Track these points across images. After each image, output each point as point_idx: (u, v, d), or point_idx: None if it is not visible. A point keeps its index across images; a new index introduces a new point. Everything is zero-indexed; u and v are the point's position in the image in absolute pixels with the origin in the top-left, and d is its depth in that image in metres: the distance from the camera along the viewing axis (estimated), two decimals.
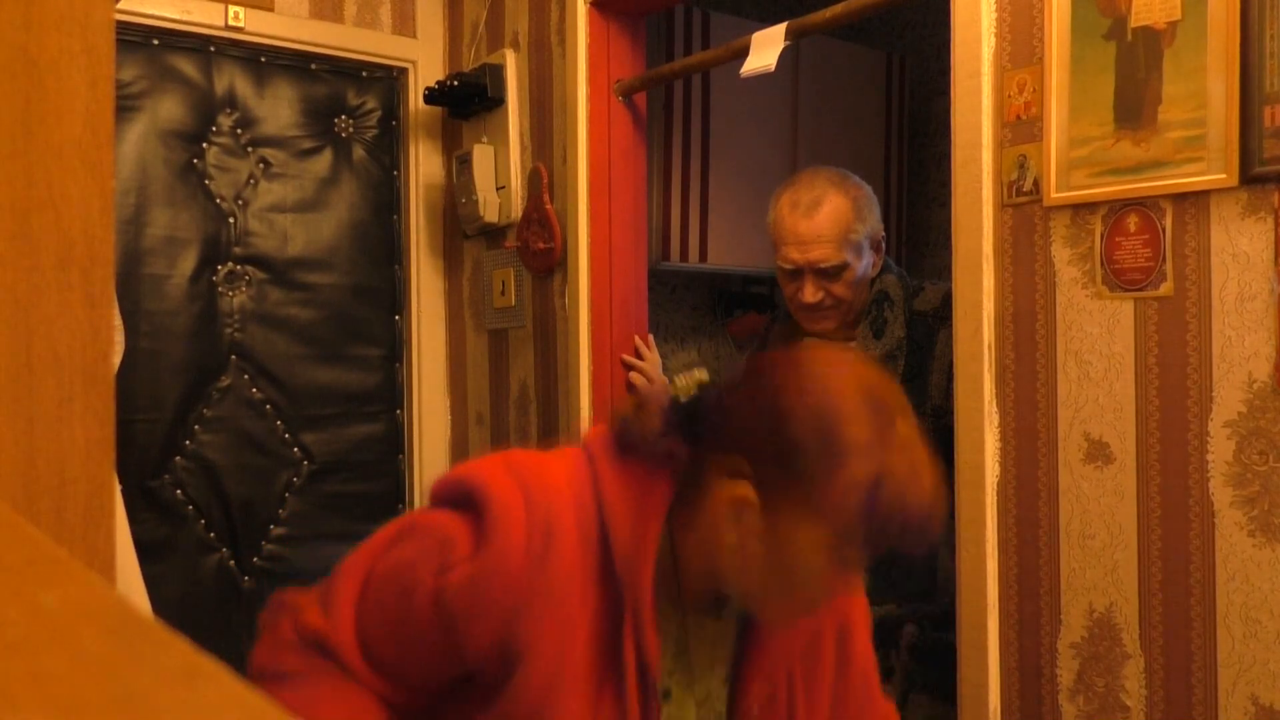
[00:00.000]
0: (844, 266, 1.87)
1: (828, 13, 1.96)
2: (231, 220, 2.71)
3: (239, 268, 2.72)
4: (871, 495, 0.90)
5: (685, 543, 0.99)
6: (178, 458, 2.61)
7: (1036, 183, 1.59)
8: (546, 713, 0.93)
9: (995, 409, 1.65)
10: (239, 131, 2.73)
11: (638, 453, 1.00)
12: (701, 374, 1.04)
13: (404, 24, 2.95)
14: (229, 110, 2.72)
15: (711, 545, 0.97)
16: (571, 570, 0.94)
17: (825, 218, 1.87)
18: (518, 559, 0.92)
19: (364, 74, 2.91)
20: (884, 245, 1.98)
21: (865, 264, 1.92)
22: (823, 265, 1.87)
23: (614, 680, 0.97)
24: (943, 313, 1.89)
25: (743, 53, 2.09)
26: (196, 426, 2.64)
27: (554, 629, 0.93)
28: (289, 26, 2.75)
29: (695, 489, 0.98)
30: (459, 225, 2.89)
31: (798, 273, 1.90)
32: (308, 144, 2.83)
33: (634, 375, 2.43)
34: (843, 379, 0.94)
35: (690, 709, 1.04)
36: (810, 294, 1.89)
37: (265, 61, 2.76)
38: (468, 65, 2.87)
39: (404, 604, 0.95)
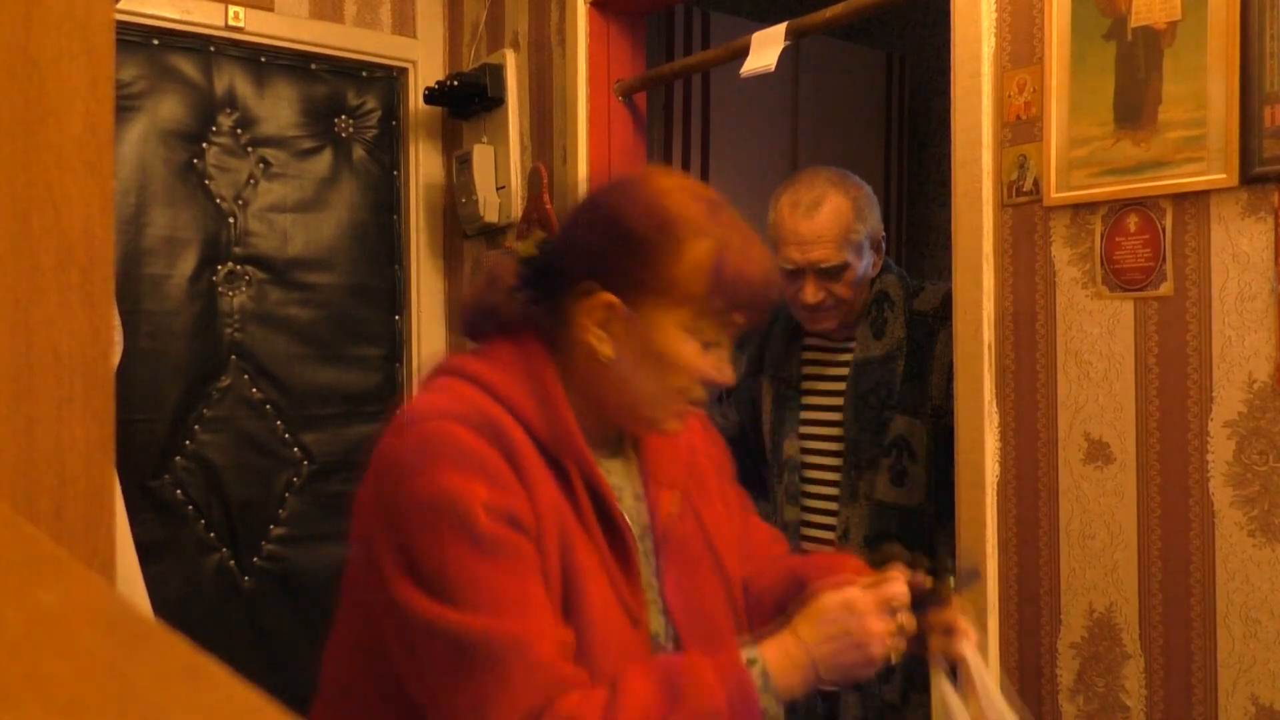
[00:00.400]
0: (845, 266, 1.87)
1: (828, 13, 1.96)
2: (231, 220, 2.71)
3: (239, 268, 2.72)
4: (717, 267, 1.02)
5: (573, 391, 1.06)
6: (178, 458, 2.61)
7: (1036, 183, 1.59)
8: (571, 574, 0.99)
9: (995, 409, 1.65)
10: (239, 131, 2.73)
11: (496, 323, 1.07)
12: (539, 234, 1.14)
13: (404, 24, 2.95)
14: (229, 110, 2.72)
15: (592, 368, 1.05)
16: (530, 459, 0.99)
17: (826, 218, 1.86)
18: (507, 470, 0.97)
19: (364, 74, 2.91)
20: (884, 245, 1.97)
21: (866, 264, 1.92)
22: (824, 265, 1.87)
23: (593, 537, 1.03)
24: (943, 313, 1.89)
25: (743, 53, 2.09)
26: (196, 426, 2.64)
27: (549, 512, 0.99)
28: (289, 26, 2.75)
29: (563, 331, 1.06)
30: (459, 225, 2.89)
31: (799, 273, 1.90)
32: (308, 144, 2.83)
33: None
34: (665, 179, 1.06)
35: (642, 542, 1.12)
36: (811, 294, 1.89)
37: (265, 61, 2.76)
38: (468, 65, 2.87)
39: (494, 555, 0.93)
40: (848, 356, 1.96)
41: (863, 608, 1.00)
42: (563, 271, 1.06)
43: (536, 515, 0.97)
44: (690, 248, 1.02)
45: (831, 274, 1.87)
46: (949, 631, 1.14)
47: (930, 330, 1.91)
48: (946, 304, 1.84)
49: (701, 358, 1.05)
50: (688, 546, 1.14)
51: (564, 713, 0.89)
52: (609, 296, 1.02)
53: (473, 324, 1.11)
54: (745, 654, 0.98)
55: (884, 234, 1.98)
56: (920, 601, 1.08)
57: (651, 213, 1.02)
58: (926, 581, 1.09)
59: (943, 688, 1.18)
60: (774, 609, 1.19)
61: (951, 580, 1.11)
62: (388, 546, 0.96)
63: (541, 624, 0.93)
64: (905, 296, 1.95)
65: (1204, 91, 1.40)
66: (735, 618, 1.14)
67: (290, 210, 2.79)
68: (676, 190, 1.05)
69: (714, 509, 1.20)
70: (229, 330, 2.70)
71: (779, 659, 0.99)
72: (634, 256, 1.02)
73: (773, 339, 2.13)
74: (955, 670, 1.16)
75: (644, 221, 1.02)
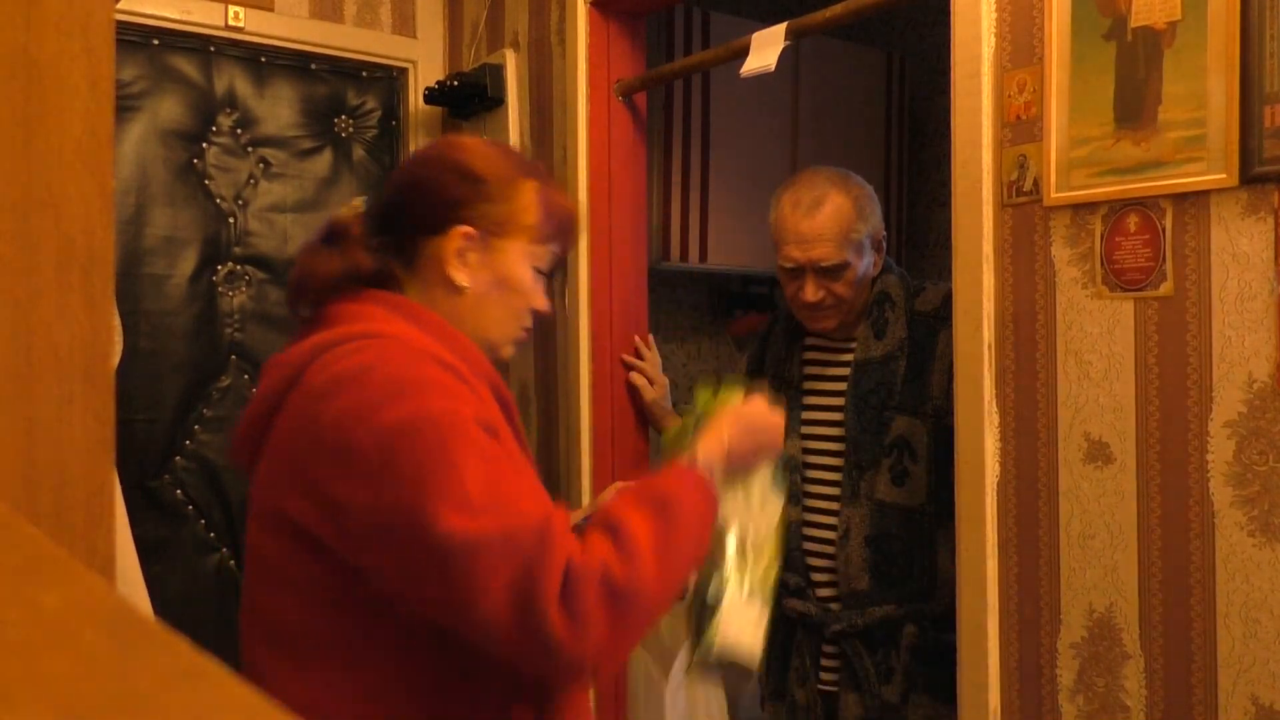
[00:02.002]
0: (845, 265, 1.87)
1: (828, 13, 1.96)
2: (231, 220, 2.71)
3: (239, 268, 2.72)
4: (543, 200, 1.24)
5: None
6: (178, 458, 2.61)
7: (1036, 183, 1.59)
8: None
9: (995, 409, 1.65)
10: (239, 131, 2.73)
11: (353, 281, 1.16)
12: (356, 199, 1.31)
13: (404, 24, 2.95)
14: (229, 110, 2.72)
15: (447, 301, 1.20)
16: (475, 383, 1.11)
17: (826, 217, 1.87)
18: (469, 392, 1.07)
19: (364, 74, 2.91)
20: (885, 245, 1.98)
21: (866, 263, 1.92)
22: (824, 264, 1.87)
23: (519, 440, 1.18)
24: (943, 313, 1.89)
25: (743, 53, 2.09)
26: (196, 426, 2.64)
27: (500, 423, 1.11)
28: (289, 26, 2.75)
29: (415, 271, 1.20)
30: None
31: (799, 272, 1.90)
32: (308, 144, 2.83)
33: (634, 375, 2.43)
34: (477, 138, 1.29)
35: None
36: (811, 293, 1.89)
37: (265, 61, 2.76)
38: (468, 65, 2.87)
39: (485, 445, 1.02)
40: (849, 357, 1.97)
41: (768, 413, 1.27)
42: (416, 214, 1.21)
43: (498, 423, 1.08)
44: (523, 185, 1.23)
45: (832, 273, 1.88)
46: None
47: (931, 330, 1.91)
48: (947, 304, 1.85)
49: (536, 284, 1.25)
50: None
51: (590, 565, 0.97)
52: (466, 228, 1.19)
53: (334, 287, 1.17)
54: (691, 459, 1.16)
55: (885, 234, 1.98)
56: None
57: (489, 159, 1.23)
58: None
59: None
60: None
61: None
62: (382, 483, 0.97)
63: (551, 505, 1.03)
64: (906, 296, 1.95)
65: (1204, 91, 1.40)
66: None
67: (290, 210, 2.79)
68: (495, 144, 1.29)
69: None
70: (229, 330, 2.69)
71: (713, 455, 1.18)
72: (482, 195, 1.20)
73: (773, 339, 2.13)
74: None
75: (485, 166, 1.22)
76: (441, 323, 1.16)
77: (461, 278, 1.19)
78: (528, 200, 1.23)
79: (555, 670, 0.98)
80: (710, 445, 1.18)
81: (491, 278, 1.21)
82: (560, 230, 1.27)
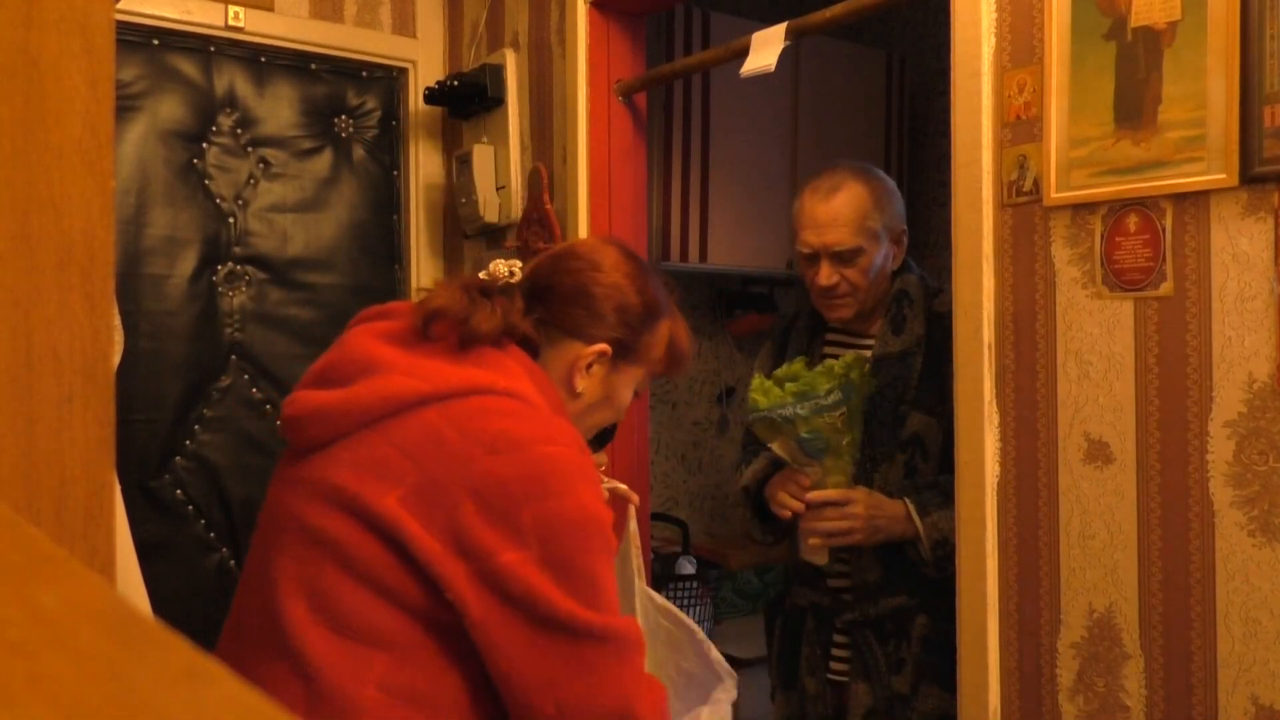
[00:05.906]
0: (859, 251, 1.89)
1: (828, 13, 1.96)
2: (231, 220, 2.71)
3: (239, 268, 2.72)
4: (671, 341, 1.35)
5: None
6: (178, 458, 2.61)
7: (1036, 183, 1.59)
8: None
9: (995, 409, 1.65)
10: (239, 131, 2.73)
11: (500, 335, 1.22)
12: (516, 262, 1.37)
13: (404, 24, 2.95)
14: (229, 110, 2.72)
15: (560, 393, 1.26)
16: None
17: (841, 202, 1.89)
18: (601, 486, 1.17)
19: (364, 74, 2.91)
20: (905, 241, 1.98)
21: (883, 254, 1.93)
22: (837, 248, 1.88)
23: None
24: None
25: (743, 53, 2.09)
26: (196, 426, 2.64)
27: None
28: (289, 26, 2.75)
29: (549, 349, 1.28)
30: (459, 225, 2.89)
31: (815, 257, 1.92)
32: (308, 144, 2.83)
33: None
34: (637, 260, 1.35)
35: None
36: (826, 277, 1.91)
37: (265, 61, 2.76)
38: (468, 65, 2.87)
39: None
40: (867, 353, 1.97)
41: None
42: (573, 318, 1.28)
43: None
44: (660, 325, 1.33)
45: (845, 258, 1.89)
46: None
47: (948, 332, 1.92)
48: None
49: (628, 402, 1.35)
50: None
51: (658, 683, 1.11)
52: (605, 347, 1.27)
53: (494, 337, 1.20)
54: None
55: (905, 229, 1.99)
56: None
57: (647, 292, 1.31)
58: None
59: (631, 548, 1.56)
60: None
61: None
62: (527, 559, 1.05)
63: None
64: (925, 297, 1.96)
65: (1204, 91, 1.40)
66: None
67: (290, 210, 2.79)
68: (647, 270, 1.35)
69: None
70: (229, 330, 2.70)
71: None
72: (629, 326, 1.29)
73: (795, 333, 2.14)
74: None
75: (641, 299, 1.30)
76: (562, 405, 1.24)
77: (581, 385, 1.28)
78: (660, 336, 1.33)
79: None
80: None
81: (603, 393, 1.30)
82: (673, 363, 1.37)
